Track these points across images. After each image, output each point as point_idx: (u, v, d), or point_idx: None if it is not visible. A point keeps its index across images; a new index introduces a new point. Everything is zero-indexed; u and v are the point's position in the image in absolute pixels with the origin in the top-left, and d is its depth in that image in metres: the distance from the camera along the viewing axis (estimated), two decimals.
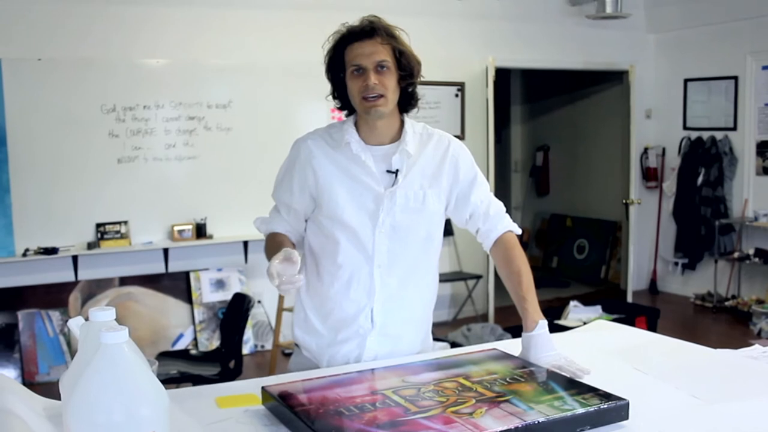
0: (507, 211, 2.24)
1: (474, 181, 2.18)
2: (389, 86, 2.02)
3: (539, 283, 7.70)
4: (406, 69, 2.05)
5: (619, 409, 1.56)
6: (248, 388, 1.80)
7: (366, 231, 2.07)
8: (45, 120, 5.50)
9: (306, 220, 2.18)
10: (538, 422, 1.46)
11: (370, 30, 2.01)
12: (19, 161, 5.42)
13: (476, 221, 2.19)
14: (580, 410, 1.52)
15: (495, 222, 2.18)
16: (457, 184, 2.16)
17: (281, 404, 1.58)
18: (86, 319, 1.42)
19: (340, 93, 2.11)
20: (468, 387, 1.67)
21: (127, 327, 1.23)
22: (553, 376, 1.76)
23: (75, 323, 1.50)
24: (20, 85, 5.41)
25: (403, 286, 2.12)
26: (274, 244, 2.12)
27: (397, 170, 2.08)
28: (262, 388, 1.67)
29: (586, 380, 1.74)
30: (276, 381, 1.77)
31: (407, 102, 2.12)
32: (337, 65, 2.06)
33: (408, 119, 2.16)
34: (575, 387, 1.66)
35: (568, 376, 1.77)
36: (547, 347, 1.94)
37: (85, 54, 5.58)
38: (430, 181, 2.12)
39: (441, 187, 2.13)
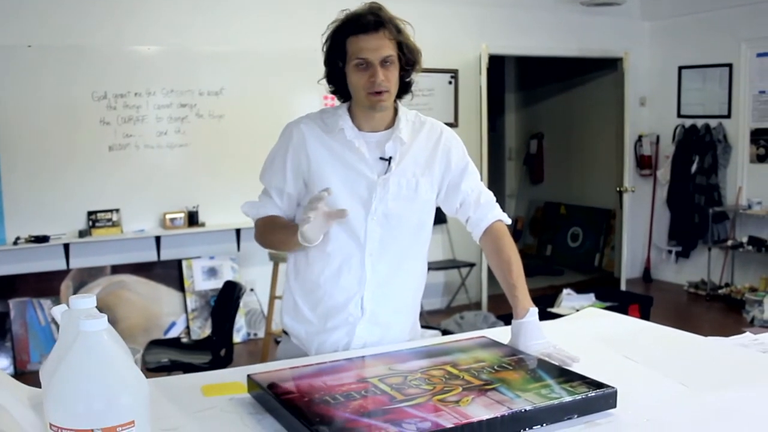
0: (501, 199, 2.23)
1: (465, 170, 2.17)
2: (393, 80, 2.01)
3: (533, 271, 7.68)
4: (410, 62, 2.04)
5: (607, 397, 1.55)
6: (236, 376, 1.79)
7: (358, 218, 2.05)
8: (35, 107, 5.46)
9: (298, 205, 2.16)
10: (525, 410, 1.45)
11: (375, 23, 1.97)
12: (10, 149, 5.39)
13: (466, 210, 2.17)
14: (568, 398, 1.51)
15: (485, 211, 2.17)
16: (449, 172, 2.15)
17: (266, 392, 1.56)
18: None
19: (336, 79, 2.08)
20: (455, 375, 1.65)
21: (107, 315, 1.21)
22: (541, 364, 1.75)
23: (58, 310, 1.49)
24: (10, 72, 5.37)
25: (393, 274, 2.10)
26: (277, 224, 2.11)
27: (391, 157, 2.06)
28: (248, 376, 1.66)
29: (575, 368, 1.73)
30: (262, 369, 1.76)
31: (402, 89, 2.11)
32: (337, 53, 2.03)
33: (401, 106, 2.14)
34: (563, 375, 1.65)
35: (556, 364, 1.76)
36: (537, 335, 1.93)
37: (76, 41, 5.54)
38: (423, 169, 2.10)
39: (433, 175, 2.12)
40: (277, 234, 2.11)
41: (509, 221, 2.22)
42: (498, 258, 2.11)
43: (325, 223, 1.94)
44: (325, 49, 2.06)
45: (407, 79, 2.09)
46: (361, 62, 1.98)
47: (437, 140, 2.14)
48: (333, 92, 2.13)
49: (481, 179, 2.24)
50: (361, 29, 1.97)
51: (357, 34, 1.98)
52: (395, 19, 2.03)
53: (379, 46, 1.97)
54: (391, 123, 2.11)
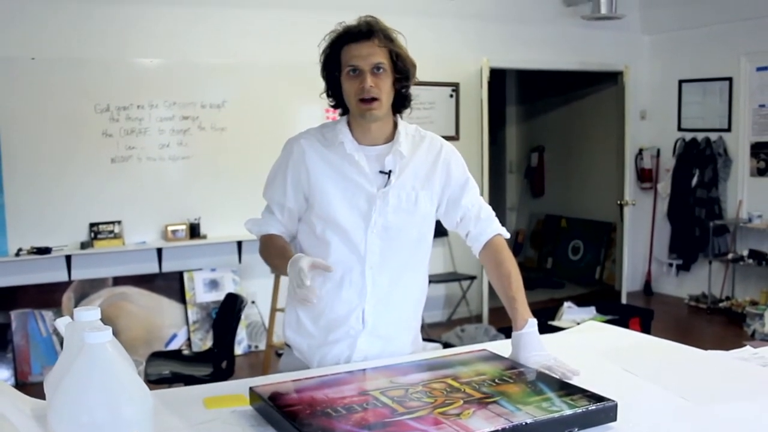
0: (501, 212, 2.24)
1: (465, 185, 2.19)
2: (384, 89, 2.02)
3: (534, 284, 7.68)
4: (402, 72, 2.05)
5: (607, 411, 1.55)
6: (237, 389, 1.79)
7: (358, 231, 2.06)
8: (38, 119, 5.48)
9: (299, 220, 2.17)
10: (526, 423, 1.46)
11: (367, 31, 2.01)
12: (13, 160, 5.41)
13: (467, 224, 2.19)
14: (568, 411, 1.51)
15: (485, 226, 2.19)
16: (449, 187, 2.16)
17: (268, 405, 1.57)
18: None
19: (334, 92, 2.11)
20: (456, 388, 1.66)
21: (110, 327, 1.22)
22: (541, 377, 1.75)
23: (62, 322, 1.50)
24: (13, 84, 5.40)
25: (394, 287, 2.11)
26: (275, 248, 2.12)
27: (390, 171, 2.08)
28: (250, 388, 1.66)
29: (575, 381, 1.74)
30: (264, 381, 1.76)
31: (401, 103, 2.12)
32: (333, 64, 2.06)
33: (401, 120, 2.16)
34: (563, 388, 1.66)
35: (557, 376, 1.77)
36: (537, 346, 1.94)
37: (79, 53, 5.57)
38: (423, 182, 2.12)
39: (433, 189, 2.13)
40: (272, 260, 2.14)
41: (508, 235, 2.24)
42: (498, 271, 2.13)
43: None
44: (321, 60, 2.10)
45: (404, 92, 2.10)
46: (353, 69, 2.01)
47: (437, 154, 2.16)
48: (333, 106, 2.15)
49: (482, 192, 2.26)
50: (353, 38, 2.01)
51: (349, 43, 2.02)
52: (388, 29, 2.06)
53: (369, 54, 2.00)
54: (391, 136, 2.12)
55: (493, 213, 2.23)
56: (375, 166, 2.08)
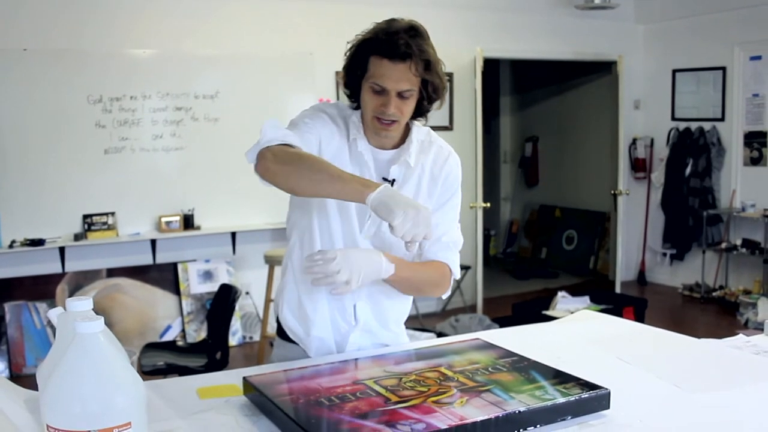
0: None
1: (446, 203, 2.08)
2: (406, 112, 1.94)
3: (528, 274, 7.70)
4: (430, 99, 1.97)
5: (600, 399, 1.56)
6: (231, 379, 1.79)
7: (353, 232, 2.01)
8: (31, 111, 5.46)
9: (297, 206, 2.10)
10: (519, 412, 1.46)
11: (404, 53, 1.85)
12: (5, 152, 5.39)
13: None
14: (561, 399, 1.52)
15: (440, 248, 2.06)
16: (438, 200, 2.08)
17: (261, 394, 1.57)
18: None
19: (351, 84, 2.00)
20: (449, 377, 1.66)
21: (103, 317, 1.22)
22: (535, 366, 1.75)
23: (54, 313, 1.50)
24: (6, 75, 5.37)
25: (384, 288, 2.04)
26: (321, 160, 1.86)
27: (394, 180, 2.02)
28: (243, 378, 1.66)
29: (569, 370, 1.74)
30: (257, 371, 1.76)
31: (418, 114, 2.03)
32: (358, 64, 1.94)
33: (415, 125, 2.07)
34: (557, 376, 1.66)
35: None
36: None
37: (72, 44, 5.54)
38: (425, 197, 2.05)
39: (432, 202, 2.06)
40: (326, 170, 1.78)
41: (457, 276, 2.12)
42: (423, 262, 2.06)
43: None
44: (347, 55, 1.98)
45: (424, 108, 2.01)
46: (378, 87, 1.90)
47: (441, 167, 2.07)
48: (348, 96, 2.05)
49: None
50: (388, 54, 1.86)
51: (382, 56, 1.87)
52: (427, 52, 1.91)
53: (400, 78, 1.87)
54: (401, 141, 2.05)
55: (458, 244, 2.11)
56: (380, 171, 2.02)
